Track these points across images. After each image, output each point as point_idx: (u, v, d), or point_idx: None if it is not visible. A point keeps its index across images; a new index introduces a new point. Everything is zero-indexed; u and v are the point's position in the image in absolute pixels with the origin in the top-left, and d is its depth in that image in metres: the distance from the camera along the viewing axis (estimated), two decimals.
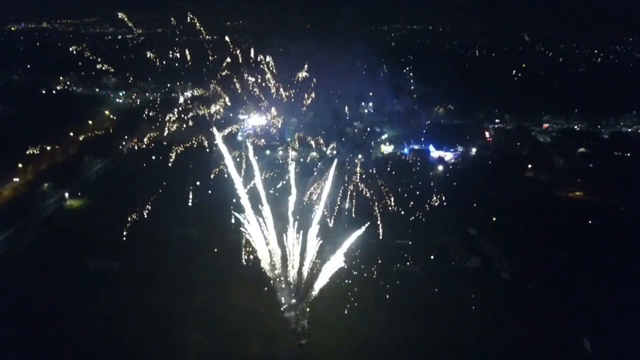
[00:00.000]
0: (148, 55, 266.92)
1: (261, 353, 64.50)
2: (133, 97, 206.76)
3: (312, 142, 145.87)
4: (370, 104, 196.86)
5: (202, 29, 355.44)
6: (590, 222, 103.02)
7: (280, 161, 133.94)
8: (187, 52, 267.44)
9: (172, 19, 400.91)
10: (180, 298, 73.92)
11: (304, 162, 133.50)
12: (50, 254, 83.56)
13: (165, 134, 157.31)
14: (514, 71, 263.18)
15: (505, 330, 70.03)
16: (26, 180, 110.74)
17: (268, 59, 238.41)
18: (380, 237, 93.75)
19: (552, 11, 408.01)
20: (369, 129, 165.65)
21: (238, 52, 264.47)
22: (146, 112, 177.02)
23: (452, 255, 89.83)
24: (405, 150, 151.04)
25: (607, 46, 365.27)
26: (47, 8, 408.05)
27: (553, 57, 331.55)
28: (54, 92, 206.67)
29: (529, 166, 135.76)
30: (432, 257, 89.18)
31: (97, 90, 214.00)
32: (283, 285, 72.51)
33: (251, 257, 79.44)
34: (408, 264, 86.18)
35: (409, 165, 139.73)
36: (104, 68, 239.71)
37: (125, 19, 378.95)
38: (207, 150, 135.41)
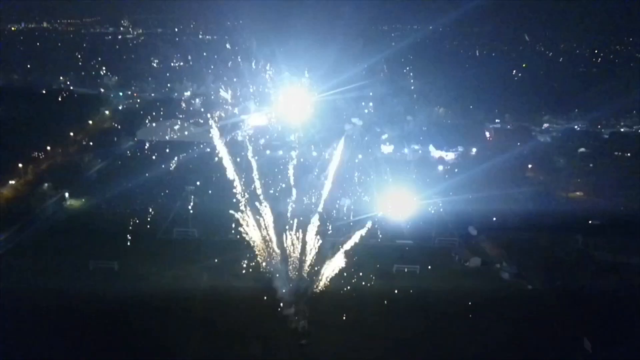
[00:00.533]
0: (148, 56, 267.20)
1: (261, 353, 64.48)
2: (133, 97, 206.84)
3: (312, 143, 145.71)
4: (371, 103, 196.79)
5: (202, 28, 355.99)
6: (590, 222, 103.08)
7: (280, 161, 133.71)
8: (187, 51, 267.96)
9: (172, 19, 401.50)
10: (180, 297, 73.80)
11: (304, 162, 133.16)
12: (50, 253, 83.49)
13: (165, 134, 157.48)
14: (514, 71, 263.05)
15: (505, 330, 69.98)
16: (26, 180, 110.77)
17: (268, 59, 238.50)
18: (380, 237, 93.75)
19: (552, 11, 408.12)
20: (368, 129, 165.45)
21: (238, 51, 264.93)
22: (147, 112, 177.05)
23: (452, 255, 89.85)
24: (405, 150, 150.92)
25: (607, 46, 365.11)
26: (47, 8, 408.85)
27: (553, 57, 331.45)
28: (54, 92, 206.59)
29: (529, 166, 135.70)
30: (432, 257, 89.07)
31: (97, 90, 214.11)
32: (283, 285, 72.52)
33: (251, 256, 79.45)
34: (408, 264, 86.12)
35: (408, 165, 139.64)
36: (104, 68, 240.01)
37: (125, 20, 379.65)
38: (207, 150, 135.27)
